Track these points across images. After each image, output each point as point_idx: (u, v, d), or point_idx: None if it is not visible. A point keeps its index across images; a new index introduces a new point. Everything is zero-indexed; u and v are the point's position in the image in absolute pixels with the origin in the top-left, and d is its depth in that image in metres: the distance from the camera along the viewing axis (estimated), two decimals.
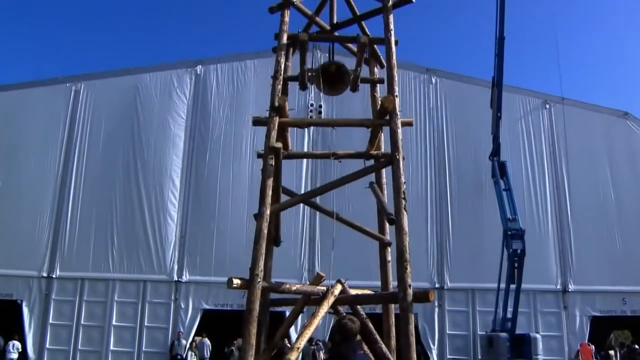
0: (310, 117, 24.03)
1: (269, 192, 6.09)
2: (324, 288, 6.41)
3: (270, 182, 6.11)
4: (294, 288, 6.56)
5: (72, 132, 25.99)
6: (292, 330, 17.38)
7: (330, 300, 6.17)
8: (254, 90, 26.56)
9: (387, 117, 6.40)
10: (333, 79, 7.19)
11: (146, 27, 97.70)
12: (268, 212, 6.06)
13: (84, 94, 26.57)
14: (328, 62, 7.14)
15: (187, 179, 25.57)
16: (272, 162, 6.17)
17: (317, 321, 6.01)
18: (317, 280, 6.72)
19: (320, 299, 6.25)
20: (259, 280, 5.91)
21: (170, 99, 26.59)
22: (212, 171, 25.70)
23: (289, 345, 18.21)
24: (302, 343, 5.99)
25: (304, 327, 6.02)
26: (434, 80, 27.47)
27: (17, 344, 22.87)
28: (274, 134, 6.34)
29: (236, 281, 5.91)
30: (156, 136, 26.00)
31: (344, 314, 6.41)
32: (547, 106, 27.26)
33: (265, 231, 5.99)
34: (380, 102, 6.62)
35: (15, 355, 22.74)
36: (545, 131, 26.92)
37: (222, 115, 26.51)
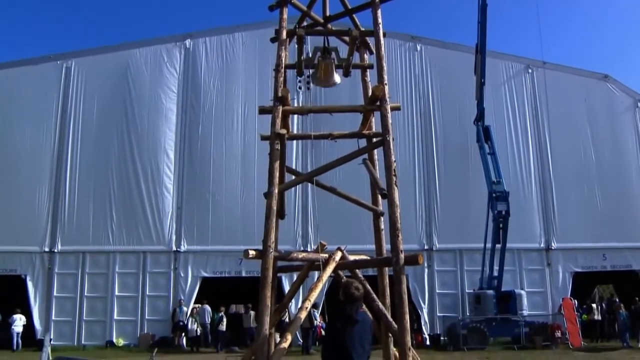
0: (299, 87, 24.66)
1: (277, 174, 6.83)
2: (326, 255, 7.22)
3: (277, 164, 6.84)
4: (300, 256, 7.36)
5: (65, 108, 26.32)
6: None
7: (332, 266, 6.96)
8: (243, 63, 27.07)
9: (378, 103, 7.16)
10: (327, 75, 7.98)
11: (133, 1, 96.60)
12: (276, 191, 6.82)
13: (75, 71, 26.82)
14: (321, 77, 7.90)
15: (181, 152, 26.13)
16: (278, 146, 6.93)
17: (321, 284, 6.84)
18: (320, 248, 7.54)
19: (323, 265, 7.07)
20: (271, 250, 6.71)
21: (161, 73, 26.96)
22: (205, 143, 26.25)
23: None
24: (309, 304, 6.82)
25: (310, 290, 6.83)
26: (418, 48, 27.97)
27: (21, 317, 23.70)
28: (278, 121, 7.07)
29: (251, 252, 6.68)
30: (149, 110, 26.44)
31: (344, 277, 7.25)
32: (530, 71, 27.96)
33: (275, 208, 6.74)
34: (371, 90, 7.36)
35: (20, 329, 23.60)
36: (527, 95, 27.66)
37: (212, 88, 26.95)
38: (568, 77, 27.99)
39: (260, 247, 6.79)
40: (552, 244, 25.76)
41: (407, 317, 6.40)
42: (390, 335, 7.21)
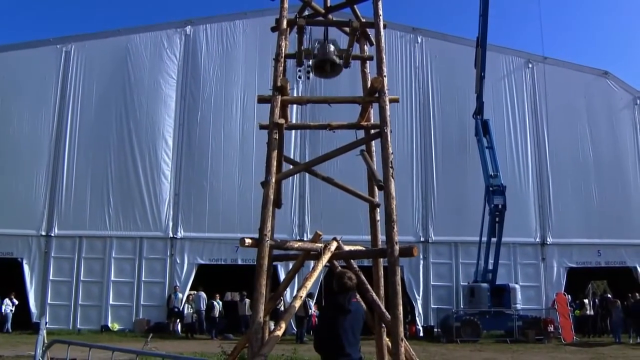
0: (299, 77, 24.69)
1: (274, 163, 6.85)
2: (322, 245, 7.27)
3: (274, 154, 6.86)
4: (295, 245, 7.42)
5: (64, 93, 26.27)
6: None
7: (327, 255, 7.01)
8: (243, 51, 27.03)
9: (377, 95, 7.19)
10: (328, 65, 8.00)
11: None
12: (273, 180, 6.86)
13: (75, 55, 26.75)
14: (322, 58, 7.90)
15: (179, 138, 26.12)
16: (276, 136, 6.95)
17: (316, 274, 6.88)
18: (315, 238, 7.58)
19: (318, 254, 7.11)
20: (267, 239, 6.75)
21: (161, 59, 26.91)
22: (204, 130, 26.26)
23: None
24: (304, 293, 6.87)
25: (305, 279, 6.87)
26: (419, 40, 27.93)
27: (9, 300, 23.88)
28: (277, 111, 7.08)
29: (248, 240, 6.72)
30: (148, 96, 26.41)
31: (339, 267, 7.30)
32: (530, 65, 27.96)
33: (272, 197, 6.78)
34: (370, 82, 7.38)
35: (9, 310, 23.82)
36: (527, 90, 27.68)
37: (212, 76, 26.92)
38: (568, 72, 28.01)
39: (257, 235, 6.84)
40: (548, 239, 25.89)
41: (401, 308, 6.47)
42: (383, 325, 7.27)
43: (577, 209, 26.18)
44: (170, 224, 25.21)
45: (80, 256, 24.78)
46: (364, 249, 7.76)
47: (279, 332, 6.43)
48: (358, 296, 6.07)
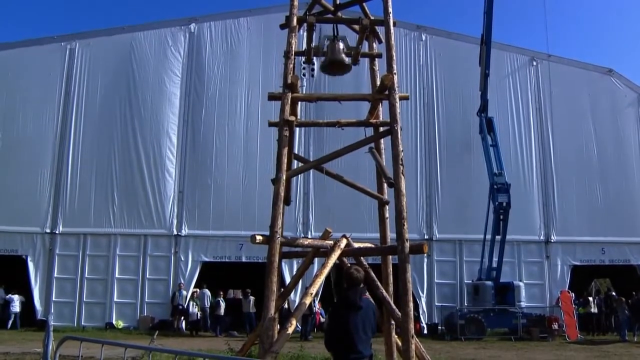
0: (304, 74, 24.68)
1: (285, 160, 6.86)
2: (331, 242, 7.26)
3: (285, 151, 6.86)
4: (306, 242, 7.42)
5: (69, 90, 26.23)
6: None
7: (337, 252, 7.02)
8: (247, 48, 26.99)
9: (387, 92, 7.18)
10: (338, 65, 7.99)
11: None
12: (284, 177, 6.86)
13: (79, 53, 26.72)
14: (331, 58, 7.89)
15: (183, 136, 26.10)
16: (287, 133, 6.95)
17: (326, 271, 6.88)
18: (325, 235, 7.58)
19: (328, 251, 7.11)
20: (278, 236, 6.75)
21: (165, 57, 26.88)
22: (208, 128, 26.23)
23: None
24: (315, 289, 6.87)
25: (315, 276, 6.87)
26: (424, 38, 27.87)
27: (17, 297, 23.89)
28: (287, 108, 7.08)
29: (259, 237, 6.72)
30: (152, 94, 26.38)
31: (349, 264, 7.31)
32: (534, 63, 27.88)
33: (283, 194, 6.78)
34: (380, 80, 7.37)
35: (17, 309, 23.82)
36: (531, 88, 27.61)
37: (216, 73, 26.89)
38: (572, 70, 27.93)
39: (264, 233, 6.83)
40: (552, 237, 25.85)
41: (411, 305, 6.48)
42: (392, 323, 7.27)
43: (581, 206, 26.16)
44: (175, 221, 25.21)
45: (85, 253, 24.77)
46: (373, 246, 7.76)
47: (290, 330, 6.44)
48: (367, 293, 6.07)
